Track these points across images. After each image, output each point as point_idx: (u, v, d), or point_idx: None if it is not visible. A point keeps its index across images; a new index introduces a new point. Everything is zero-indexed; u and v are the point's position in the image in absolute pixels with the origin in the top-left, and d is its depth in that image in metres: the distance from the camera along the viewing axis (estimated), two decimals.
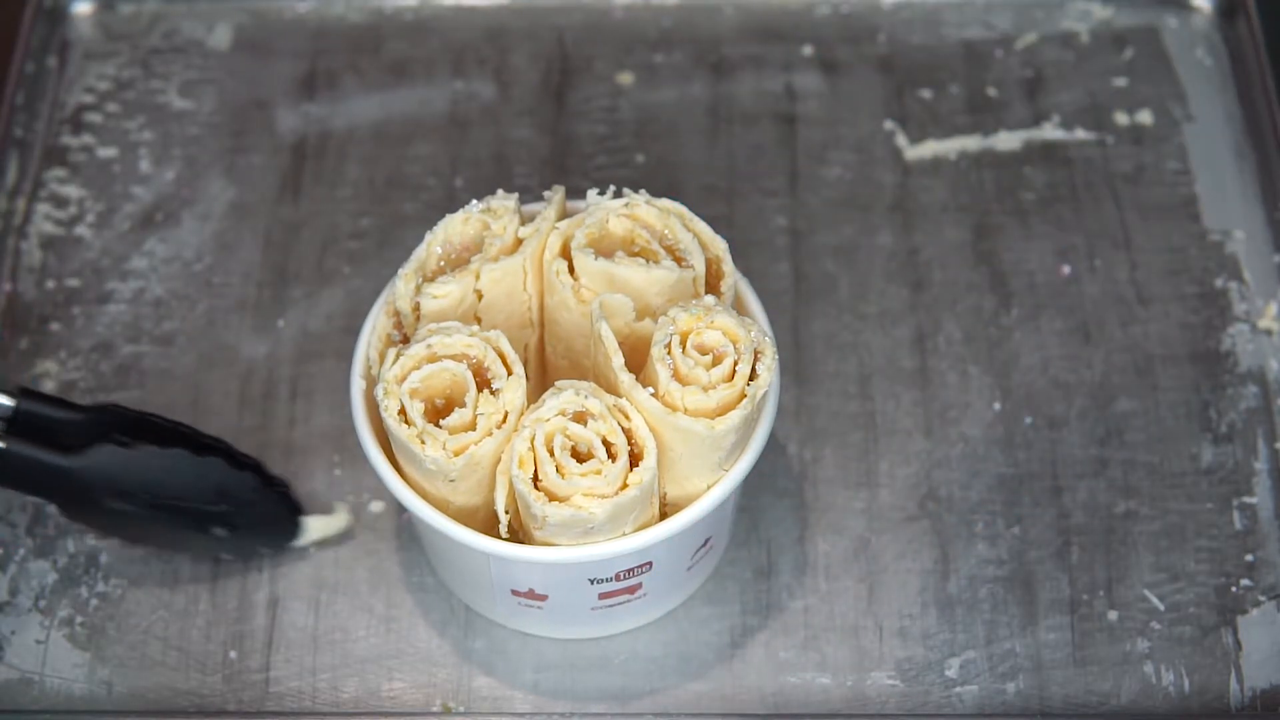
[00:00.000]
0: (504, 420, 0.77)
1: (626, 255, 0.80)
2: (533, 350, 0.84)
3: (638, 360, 0.78)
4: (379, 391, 0.77)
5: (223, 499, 0.85)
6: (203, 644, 0.86)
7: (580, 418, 0.77)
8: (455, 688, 0.85)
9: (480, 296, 0.81)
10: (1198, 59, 1.05)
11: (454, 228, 0.81)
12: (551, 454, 0.76)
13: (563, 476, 0.76)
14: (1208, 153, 1.02)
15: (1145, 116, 1.03)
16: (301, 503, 0.89)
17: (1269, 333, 0.95)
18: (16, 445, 0.81)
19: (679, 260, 0.80)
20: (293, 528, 0.88)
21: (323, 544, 0.88)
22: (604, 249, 0.80)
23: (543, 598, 0.83)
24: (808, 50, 1.06)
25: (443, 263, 0.81)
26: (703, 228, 0.81)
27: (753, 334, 0.78)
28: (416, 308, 0.80)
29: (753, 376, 0.77)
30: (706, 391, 0.76)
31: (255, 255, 0.99)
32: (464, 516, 0.79)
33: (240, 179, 1.01)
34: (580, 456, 0.77)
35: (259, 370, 0.95)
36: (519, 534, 0.80)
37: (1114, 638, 0.86)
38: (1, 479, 0.82)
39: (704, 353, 0.77)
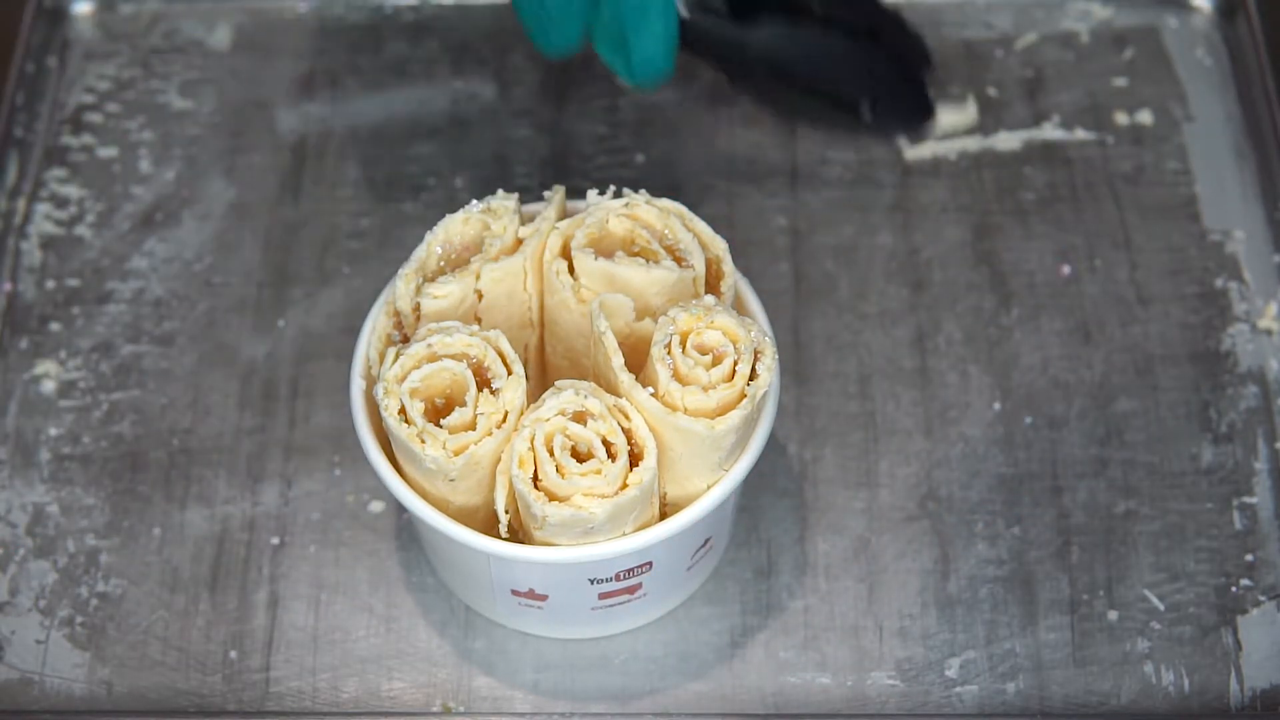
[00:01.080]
0: (504, 420, 0.77)
1: (626, 255, 0.80)
2: (533, 350, 0.84)
3: (638, 360, 0.78)
4: (379, 391, 0.77)
5: (871, 86, 0.89)
6: (203, 644, 0.86)
7: (580, 418, 0.77)
8: (455, 688, 0.86)
9: (480, 296, 0.81)
10: (1198, 59, 1.05)
11: (454, 228, 0.81)
12: (551, 454, 0.76)
13: (563, 476, 0.76)
14: (1208, 153, 1.02)
15: (1145, 116, 1.03)
16: (932, 97, 0.92)
17: (1269, 333, 0.95)
18: (698, 16, 0.86)
19: (679, 260, 0.80)
20: (927, 116, 0.94)
21: (949, 135, 0.97)
22: (604, 249, 0.80)
23: (543, 598, 0.83)
24: None
25: (443, 263, 0.81)
26: (703, 228, 0.81)
27: (753, 334, 0.78)
28: (417, 308, 0.80)
29: (753, 376, 0.77)
30: (706, 391, 0.76)
31: (255, 255, 0.99)
32: (464, 516, 0.79)
33: (240, 179, 1.01)
34: (580, 456, 0.77)
35: (259, 370, 0.95)
36: (519, 534, 0.80)
37: (1114, 638, 0.86)
38: (683, 46, 0.86)
39: (704, 353, 0.77)
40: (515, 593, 0.83)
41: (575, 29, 0.85)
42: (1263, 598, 0.87)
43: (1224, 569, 0.88)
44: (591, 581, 0.81)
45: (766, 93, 0.91)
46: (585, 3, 0.85)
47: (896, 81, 0.91)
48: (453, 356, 0.78)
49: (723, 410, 0.77)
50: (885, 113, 0.91)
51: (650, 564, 0.81)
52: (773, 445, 0.91)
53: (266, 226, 1.00)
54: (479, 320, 0.81)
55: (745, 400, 0.76)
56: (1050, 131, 1.02)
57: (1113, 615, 0.87)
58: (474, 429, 0.77)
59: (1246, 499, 0.90)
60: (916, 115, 0.94)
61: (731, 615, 0.87)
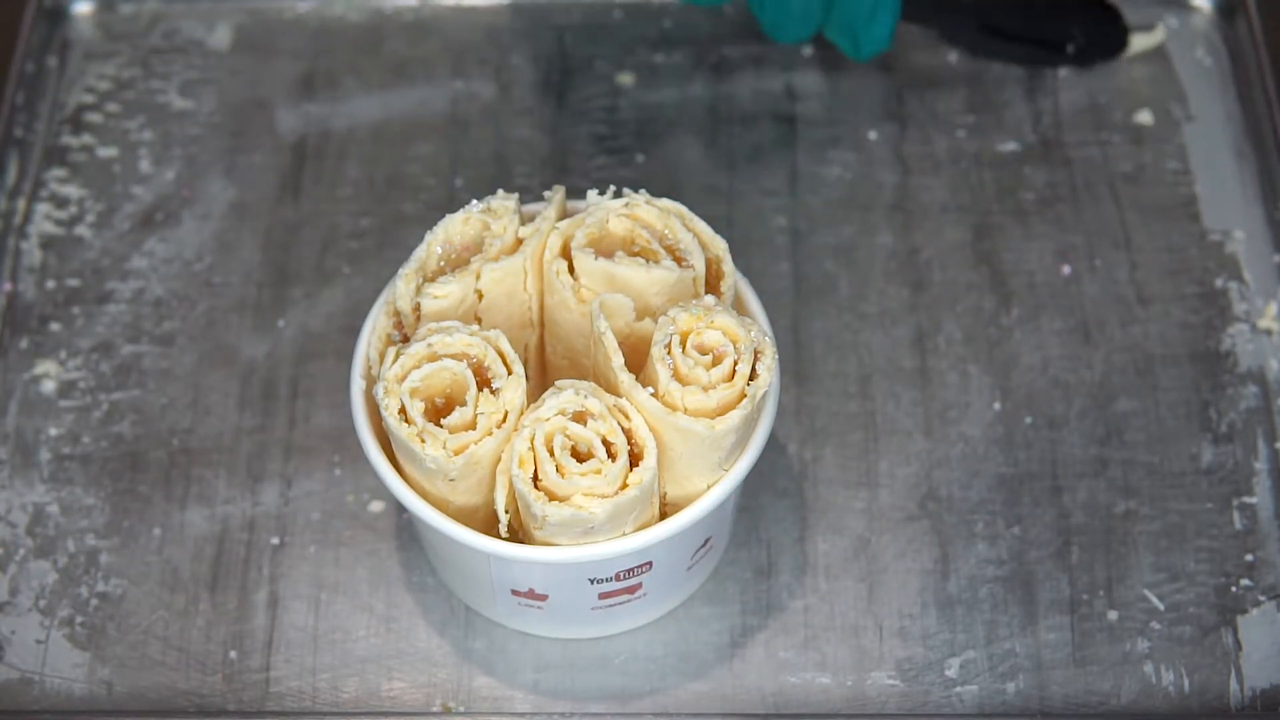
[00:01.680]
0: (504, 420, 0.77)
1: (626, 255, 0.80)
2: (533, 350, 0.84)
3: (638, 360, 0.78)
4: (379, 391, 0.77)
5: (1076, 33, 1.04)
6: (203, 644, 0.86)
7: (580, 417, 0.77)
8: (455, 688, 0.86)
9: (480, 296, 0.81)
10: (1198, 59, 1.05)
11: (454, 228, 0.81)
12: (551, 454, 0.76)
13: (563, 476, 0.76)
14: (1208, 153, 1.02)
15: (1145, 116, 1.03)
16: (1128, 26, 1.05)
17: (1269, 333, 0.95)
18: None
19: (679, 260, 0.80)
20: (1122, 44, 1.05)
21: (1138, 56, 1.05)
22: (604, 249, 0.80)
23: (543, 598, 0.83)
24: (808, 50, 1.06)
25: (443, 263, 0.81)
26: (703, 228, 0.81)
27: (753, 334, 0.78)
28: (417, 308, 0.80)
29: (753, 376, 0.77)
30: (706, 391, 0.76)
31: (255, 255, 0.99)
32: (464, 516, 0.79)
33: (240, 179, 1.01)
34: (580, 456, 0.77)
35: (259, 370, 0.95)
36: (519, 534, 0.80)
37: (1114, 638, 0.86)
38: (905, 15, 0.99)
39: (704, 353, 0.77)
40: (515, 593, 0.83)
41: (812, 26, 0.97)
42: (1263, 598, 0.87)
43: (1224, 569, 0.88)
44: (591, 581, 0.81)
45: (978, 45, 1.04)
46: (823, 5, 0.96)
47: (1096, 20, 1.04)
48: (453, 356, 0.78)
49: (723, 410, 0.77)
50: (1086, 48, 1.04)
51: (650, 564, 0.81)
52: (773, 445, 0.91)
53: (266, 226, 1.00)
54: (479, 320, 0.81)
55: (745, 400, 0.76)
56: (1050, 131, 1.02)
57: (1113, 615, 0.87)
58: (474, 429, 0.77)
59: (1246, 499, 0.90)
60: (1113, 46, 1.05)
61: (731, 615, 0.87)
